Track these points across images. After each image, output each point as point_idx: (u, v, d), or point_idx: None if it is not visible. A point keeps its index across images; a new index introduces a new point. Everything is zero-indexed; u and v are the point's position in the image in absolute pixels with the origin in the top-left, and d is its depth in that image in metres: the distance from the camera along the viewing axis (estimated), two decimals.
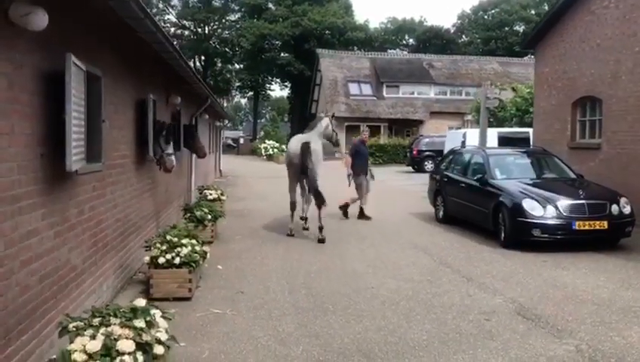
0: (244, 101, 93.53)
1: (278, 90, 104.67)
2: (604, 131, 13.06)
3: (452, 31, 65.50)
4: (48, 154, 4.37)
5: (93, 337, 3.46)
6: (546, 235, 9.21)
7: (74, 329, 3.66)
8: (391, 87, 41.43)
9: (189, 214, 9.95)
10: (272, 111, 69.46)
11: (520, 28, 60.27)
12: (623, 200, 9.49)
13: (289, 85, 64.53)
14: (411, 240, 10.35)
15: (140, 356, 3.46)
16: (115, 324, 3.59)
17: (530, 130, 19.05)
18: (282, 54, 59.11)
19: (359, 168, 12.87)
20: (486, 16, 63.57)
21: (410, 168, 28.84)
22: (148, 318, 3.82)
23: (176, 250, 6.57)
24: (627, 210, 9.42)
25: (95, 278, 5.71)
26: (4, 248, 3.63)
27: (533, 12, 59.74)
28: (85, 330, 3.58)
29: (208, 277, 7.52)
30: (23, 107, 3.96)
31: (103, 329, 3.55)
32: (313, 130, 11.55)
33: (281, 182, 12.33)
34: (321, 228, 10.27)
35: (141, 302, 4.10)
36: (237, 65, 67.66)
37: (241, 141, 63.15)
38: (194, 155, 12.96)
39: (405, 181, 23.47)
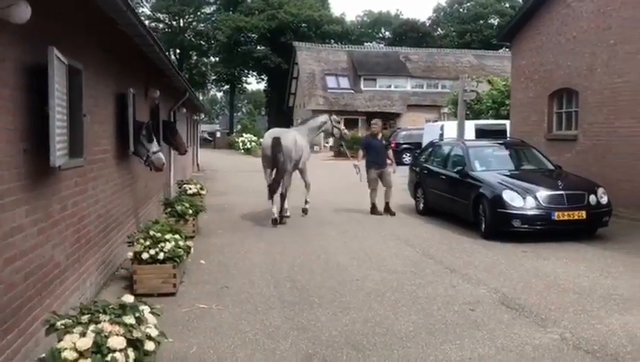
0: (219, 94, 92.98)
1: (255, 84, 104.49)
2: (580, 123, 13.26)
3: (428, 24, 65.84)
4: (31, 150, 4.29)
5: (83, 334, 3.41)
6: (525, 226, 9.33)
7: (62, 326, 3.61)
8: (368, 80, 41.55)
9: (169, 209, 9.86)
10: (249, 105, 69.12)
11: (495, 21, 60.87)
12: (600, 190, 9.66)
13: (265, 78, 64.28)
14: (393, 232, 10.41)
15: (131, 352, 3.42)
16: (104, 321, 3.54)
17: (506, 122, 19.26)
18: (259, 47, 58.88)
19: (372, 162, 12.59)
20: (461, 10, 64.08)
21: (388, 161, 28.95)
22: (137, 314, 3.78)
23: (159, 246, 6.51)
24: (604, 200, 9.59)
25: (78, 275, 5.63)
26: None
27: (507, 5, 60.43)
28: (74, 328, 3.52)
29: (192, 272, 7.47)
30: (4, 102, 3.87)
31: (92, 327, 3.50)
32: (305, 124, 12.64)
33: (261, 176, 12.27)
34: (282, 217, 11.37)
35: (129, 298, 4.06)
36: (212, 59, 67.23)
37: (218, 135, 62.78)
38: (172, 150, 12.85)
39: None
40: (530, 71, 15.17)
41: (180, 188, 13.41)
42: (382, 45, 59.66)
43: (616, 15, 11.88)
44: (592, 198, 9.45)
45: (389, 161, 12.89)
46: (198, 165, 28.00)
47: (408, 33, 62.28)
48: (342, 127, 13.18)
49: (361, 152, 13.17)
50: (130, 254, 6.54)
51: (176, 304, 6.16)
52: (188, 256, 6.96)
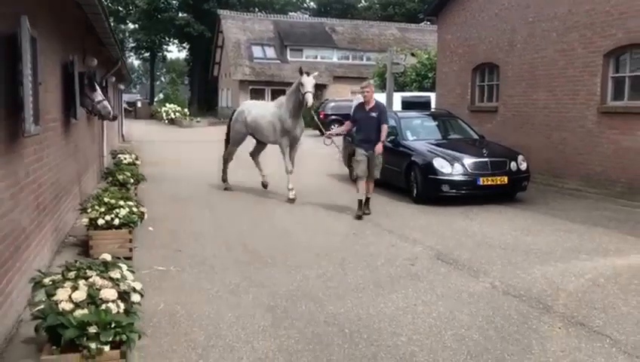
0: (137, 62, 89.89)
1: (176, 52, 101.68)
2: (500, 95, 14.19)
3: None
4: (3, 117, 4.40)
5: (75, 288, 3.66)
6: (454, 190, 10.08)
7: (50, 283, 3.84)
8: (295, 51, 41.63)
9: (110, 178, 9.90)
10: (172, 73, 67.38)
11: None
12: (520, 157, 10.54)
13: (187, 47, 62.80)
14: (331, 199, 10.91)
15: (120, 303, 3.71)
16: (93, 276, 3.80)
17: (430, 95, 20.18)
18: (180, 14, 57.34)
19: (361, 141, 9.46)
20: None
21: (316, 132, 29.44)
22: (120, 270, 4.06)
23: (114, 212, 6.69)
24: (523, 166, 10.49)
25: (39, 240, 5.76)
26: None
27: None
28: (63, 283, 3.77)
29: (142, 239, 7.65)
30: None
31: (82, 281, 3.76)
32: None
33: (189, 146, 12.54)
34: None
35: (108, 257, 4.32)
36: (131, 25, 64.85)
37: (139, 104, 60.92)
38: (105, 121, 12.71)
39: (313, 144, 24.02)
40: (455, 45, 15.97)
41: (114, 158, 13.32)
42: (307, 15, 59.60)
43: None
44: (513, 165, 10.32)
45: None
46: (123, 136, 27.40)
47: (333, 4, 62.52)
48: (307, 88, 10.07)
49: (345, 125, 10.48)
50: (86, 220, 6.68)
51: (135, 267, 6.35)
52: (142, 221, 7.16)
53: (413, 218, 9.17)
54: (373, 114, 9.33)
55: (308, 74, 10.33)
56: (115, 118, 12.61)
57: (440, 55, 17.25)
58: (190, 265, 6.56)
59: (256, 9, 55.89)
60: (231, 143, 12.37)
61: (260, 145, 12.26)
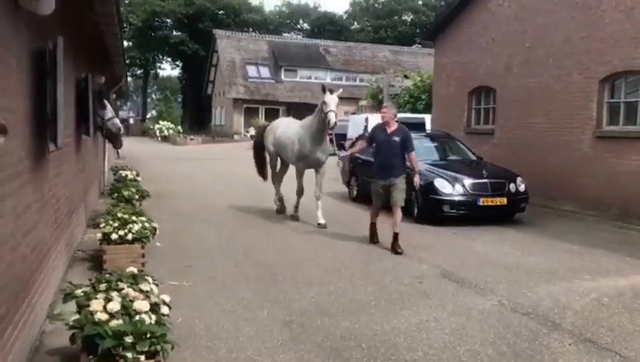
0: (129, 79, 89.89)
1: (168, 69, 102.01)
2: (497, 118, 14.49)
3: (345, 17, 67.09)
4: (33, 132, 4.53)
5: (108, 300, 3.77)
6: (454, 211, 10.27)
7: (82, 294, 3.95)
8: (289, 71, 42.07)
9: (116, 194, 10.00)
10: (166, 91, 67.53)
11: (408, 17, 62.97)
12: (519, 179, 10.77)
13: (181, 65, 63.14)
14: (333, 216, 11.04)
15: (152, 315, 3.82)
16: (126, 287, 3.91)
17: (424, 116, 20.46)
18: (175, 33, 57.77)
19: (378, 168, 8.55)
20: (376, 5, 65.76)
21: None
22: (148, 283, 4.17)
23: (128, 227, 6.79)
24: (522, 187, 10.72)
25: (56, 254, 5.85)
26: (10, 223, 3.83)
27: (420, 2, 62.62)
28: (96, 294, 3.87)
29: (151, 254, 7.70)
30: (18, 85, 4.11)
31: (114, 293, 3.87)
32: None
33: (185, 163, 12.61)
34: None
35: (134, 270, 4.44)
36: (126, 43, 65.12)
37: (131, 121, 60.98)
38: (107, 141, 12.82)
39: None
40: (452, 69, 16.30)
41: (114, 174, 13.42)
42: (300, 36, 60.25)
43: (531, 21, 13.11)
44: (512, 186, 10.54)
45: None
46: (118, 152, 27.42)
47: (326, 26, 63.29)
48: (330, 106, 9.32)
49: (360, 144, 10.07)
50: (99, 235, 6.77)
51: None
52: (154, 236, 7.25)
53: (416, 237, 9.32)
54: (396, 138, 8.33)
55: (331, 92, 9.51)
56: (120, 146, 12.75)
57: (436, 78, 17.57)
58: (201, 280, 6.66)
59: (251, 29, 56.45)
60: (270, 164, 11.70)
61: (285, 166, 11.52)
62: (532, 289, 6.43)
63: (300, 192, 10.54)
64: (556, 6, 12.39)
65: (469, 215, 10.28)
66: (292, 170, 11.17)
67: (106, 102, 8.46)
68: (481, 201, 10.17)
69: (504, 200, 10.28)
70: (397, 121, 8.67)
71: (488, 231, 9.80)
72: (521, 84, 13.47)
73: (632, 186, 10.57)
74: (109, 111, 8.32)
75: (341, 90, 10.07)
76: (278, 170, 11.49)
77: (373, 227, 8.82)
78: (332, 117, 9.32)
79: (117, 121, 8.42)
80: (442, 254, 8.14)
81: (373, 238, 8.73)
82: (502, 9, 14.09)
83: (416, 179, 8.54)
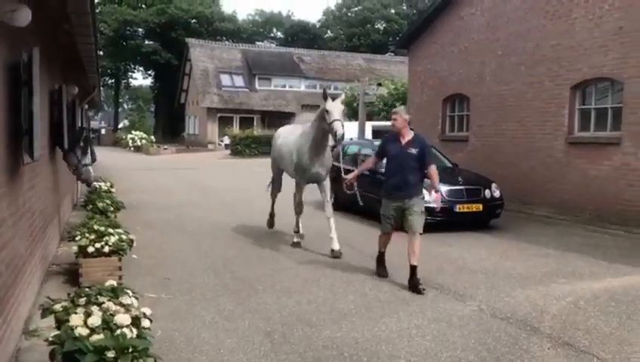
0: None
1: (140, 79, 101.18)
2: (471, 125, 14.67)
3: (318, 26, 67.37)
4: (9, 145, 4.45)
5: (88, 314, 3.71)
6: (430, 217, 10.24)
7: (61, 309, 3.87)
8: (263, 80, 42.08)
9: (91, 206, 9.85)
10: (138, 100, 66.88)
11: (381, 26, 63.50)
12: (493, 185, 10.91)
13: (153, 74, 62.70)
14: (311, 226, 11.02)
15: (133, 328, 3.77)
16: (107, 301, 3.85)
17: None
18: (147, 42, 57.37)
19: (389, 184, 7.17)
20: (349, 14, 66.13)
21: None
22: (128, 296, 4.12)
23: (104, 239, 6.69)
24: (497, 193, 10.85)
25: (31, 269, 5.74)
26: None
27: (393, 11, 63.23)
28: (75, 309, 3.81)
29: (127, 267, 7.60)
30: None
31: (94, 307, 3.80)
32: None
33: (159, 173, 12.49)
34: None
35: (113, 283, 4.37)
36: None
37: (103, 131, 60.29)
38: None
39: None
40: (426, 77, 16.47)
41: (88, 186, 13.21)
42: (274, 45, 60.31)
43: (503, 29, 13.34)
44: (487, 192, 10.67)
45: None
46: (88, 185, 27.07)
47: (300, 34, 63.49)
48: (334, 115, 7.92)
49: (367, 162, 8.42)
50: (75, 248, 6.66)
51: None
52: (131, 248, 7.16)
53: (393, 244, 9.29)
54: (413, 150, 6.95)
55: (333, 98, 8.17)
56: (94, 161, 12.66)
57: (411, 86, 17.73)
58: (180, 292, 6.60)
59: (224, 38, 56.34)
60: (273, 177, 10.71)
61: (280, 178, 10.61)
62: (510, 294, 6.52)
63: (298, 210, 9.34)
64: (527, 14, 12.62)
65: (445, 221, 10.35)
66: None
67: (89, 148, 8.39)
68: (458, 208, 10.27)
69: (480, 207, 10.40)
70: (412, 129, 7.22)
71: (465, 237, 9.90)
72: (494, 91, 13.67)
73: (604, 191, 10.79)
74: (88, 158, 8.25)
75: (343, 96, 9.16)
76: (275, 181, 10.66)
77: (381, 258, 7.45)
78: (338, 127, 7.83)
79: (91, 169, 8.35)
80: (420, 261, 8.13)
81: (382, 271, 7.33)
82: (474, 17, 14.31)
83: (437, 199, 7.28)
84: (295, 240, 9.25)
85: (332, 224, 8.70)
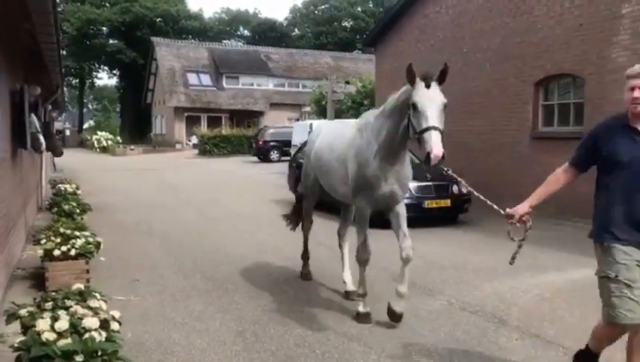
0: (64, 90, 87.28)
1: (105, 79, 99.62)
2: None
3: (285, 24, 67.27)
4: None
5: (55, 319, 3.64)
6: None
7: (27, 314, 3.80)
8: (230, 78, 41.85)
9: (56, 208, 9.68)
10: (103, 100, 65.78)
11: (348, 24, 63.72)
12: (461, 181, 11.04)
13: (118, 73, 61.78)
14: (277, 224, 11.02)
15: (102, 332, 3.72)
16: (74, 305, 3.79)
17: None
18: (112, 41, 56.51)
19: (621, 216, 3.57)
20: (316, 12, 66.24)
21: (255, 158, 29.57)
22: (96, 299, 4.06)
23: (71, 242, 6.58)
24: (464, 189, 10.99)
25: None
26: None
27: (360, 9, 63.50)
28: (42, 314, 3.74)
29: (96, 269, 7.50)
30: None
31: (62, 311, 3.74)
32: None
33: (126, 174, 12.35)
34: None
35: (80, 286, 4.31)
36: None
37: (67, 132, 59.14)
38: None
39: (254, 170, 24.18)
40: (393, 74, 16.54)
41: (53, 188, 12.99)
42: (241, 43, 59.99)
43: (468, 27, 13.52)
44: (455, 188, 10.81)
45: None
46: (54, 165, 26.56)
47: (267, 33, 63.28)
48: (427, 117, 4.69)
49: (559, 175, 4.26)
50: (41, 252, 6.53)
51: None
52: (98, 251, 7.06)
53: None
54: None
55: (428, 83, 4.76)
56: (61, 154, 12.44)
57: (378, 83, 17.84)
58: (150, 293, 6.53)
59: (190, 36, 55.82)
60: (304, 194, 7.29)
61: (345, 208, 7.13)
62: (478, 287, 6.63)
63: (362, 258, 6.01)
64: (492, 12, 12.82)
65: (414, 217, 10.40)
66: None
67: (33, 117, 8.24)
68: (426, 204, 10.39)
69: (448, 202, 10.54)
70: None
71: (433, 232, 10.02)
72: (461, 88, 13.82)
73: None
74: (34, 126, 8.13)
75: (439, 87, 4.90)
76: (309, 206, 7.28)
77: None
78: (434, 144, 4.65)
79: (41, 137, 8.22)
80: (389, 258, 8.18)
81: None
82: (439, 15, 14.47)
83: None
84: (361, 309, 5.61)
85: (406, 272, 5.62)
